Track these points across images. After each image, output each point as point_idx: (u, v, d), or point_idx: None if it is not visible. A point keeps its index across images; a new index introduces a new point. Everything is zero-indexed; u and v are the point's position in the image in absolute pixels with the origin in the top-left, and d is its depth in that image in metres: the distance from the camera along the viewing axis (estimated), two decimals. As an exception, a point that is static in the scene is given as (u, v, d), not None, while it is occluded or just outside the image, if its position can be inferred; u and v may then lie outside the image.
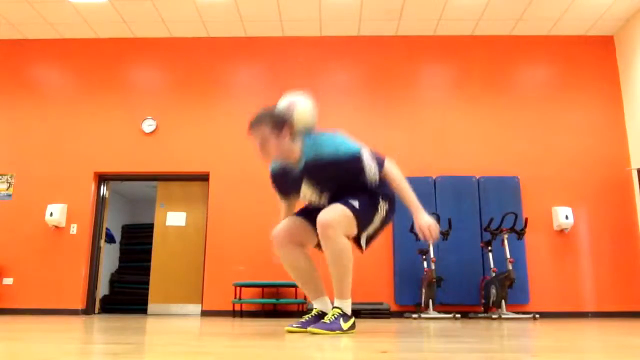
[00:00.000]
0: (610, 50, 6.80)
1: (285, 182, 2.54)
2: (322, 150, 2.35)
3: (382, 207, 2.46)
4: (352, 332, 2.35)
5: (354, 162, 2.34)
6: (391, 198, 2.52)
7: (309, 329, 2.30)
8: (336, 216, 2.29)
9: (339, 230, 2.27)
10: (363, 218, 2.39)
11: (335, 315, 2.32)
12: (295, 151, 2.39)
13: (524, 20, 6.51)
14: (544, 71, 6.80)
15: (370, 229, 2.50)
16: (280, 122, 2.34)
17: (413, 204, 2.40)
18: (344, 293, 2.36)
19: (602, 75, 6.73)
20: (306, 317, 2.53)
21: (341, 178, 2.39)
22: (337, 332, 2.26)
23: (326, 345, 1.77)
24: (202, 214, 6.69)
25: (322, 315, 2.49)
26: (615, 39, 6.80)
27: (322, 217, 2.28)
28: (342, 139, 2.40)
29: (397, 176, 2.44)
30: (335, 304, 2.38)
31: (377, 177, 2.38)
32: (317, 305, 2.54)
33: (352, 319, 2.38)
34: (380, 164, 2.39)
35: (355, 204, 2.34)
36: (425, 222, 2.37)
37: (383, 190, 2.47)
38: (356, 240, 2.51)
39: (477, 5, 6.22)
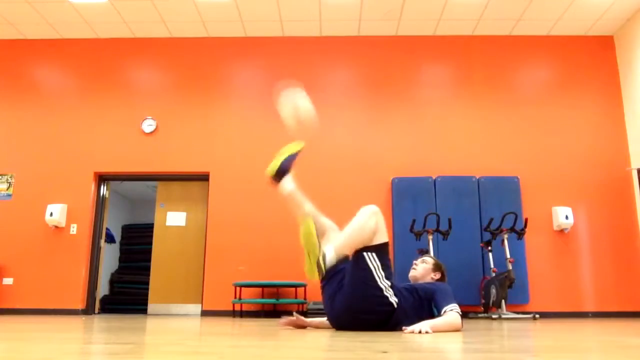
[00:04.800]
0: (610, 50, 6.80)
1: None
2: (430, 284, 2.86)
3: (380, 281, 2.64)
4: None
5: (438, 296, 2.73)
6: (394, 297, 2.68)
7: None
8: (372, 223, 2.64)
9: (379, 220, 2.65)
10: (382, 251, 2.66)
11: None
12: (425, 279, 2.95)
13: (524, 20, 6.51)
14: (544, 71, 6.80)
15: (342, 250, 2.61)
16: (439, 270, 2.97)
17: (435, 324, 2.54)
18: (341, 247, 2.51)
19: (602, 75, 6.73)
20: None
21: (422, 296, 2.75)
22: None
23: (326, 345, 1.77)
24: (202, 214, 6.69)
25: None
26: (615, 39, 6.80)
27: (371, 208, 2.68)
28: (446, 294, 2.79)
29: (454, 320, 2.66)
30: (323, 248, 2.47)
31: (443, 310, 2.66)
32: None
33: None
34: (458, 312, 2.69)
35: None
36: (423, 328, 2.45)
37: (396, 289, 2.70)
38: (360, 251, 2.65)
39: (477, 5, 6.22)
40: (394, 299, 2.59)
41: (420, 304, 2.69)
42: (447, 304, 2.65)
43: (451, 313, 2.61)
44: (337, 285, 2.68)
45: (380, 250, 2.62)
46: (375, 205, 2.67)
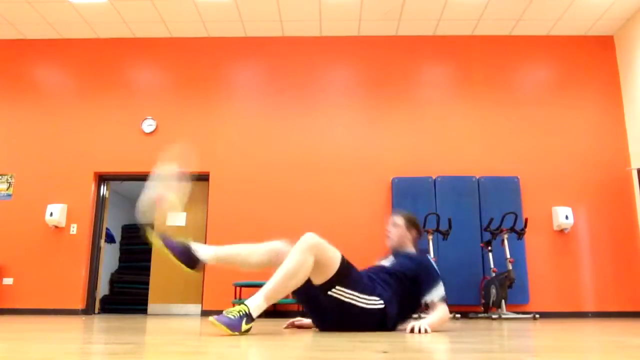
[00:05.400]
0: (610, 50, 6.80)
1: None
2: (410, 259, 2.78)
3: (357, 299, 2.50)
4: (245, 334, 2.19)
5: (422, 280, 2.65)
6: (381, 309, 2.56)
7: (210, 318, 2.17)
8: (325, 246, 2.42)
9: (322, 251, 2.39)
10: (342, 275, 2.45)
11: (242, 313, 2.16)
12: (403, 242, 2.89)
13: (524, 20, 6.51)
14: (544, 71, 6.80)
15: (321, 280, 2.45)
16: (413, 226, 2.90)
17: (432, 322, 2.52)
18: (270, 295, 2.26)
19: (602, 75, 6.73)
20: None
21: (403, 273, 2.68)
22: (235, 333, 2.12)
23: (326, 345, 1.77)
24: (202, 214, 6.69)
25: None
26: (615, 39, 6.80)
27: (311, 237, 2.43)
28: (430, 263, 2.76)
29: (443, 315, 2.61)
30: (248, 300, 2.24)
31: (428, 299, 2.61)
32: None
33: (252, 324, 2.22)
34: (443, 300, 2.62)
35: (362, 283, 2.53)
36: (421, 326, 2.43)
37: (384, 297, 2.57)
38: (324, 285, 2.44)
39: (477, 5, 6.22)
40: (378, 304, 2.51)
41: (403, 288, 2.63)
42: (432, 289, 2.60)
43: (441, 308, 2.59)
44: (315, 308, 2.59)
45: (341, 275, 2.42)
46: (312, 234, 2.39)
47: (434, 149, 6.51)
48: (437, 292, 2.61)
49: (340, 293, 2.44)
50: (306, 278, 2.36)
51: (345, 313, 2.46)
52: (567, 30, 6.73)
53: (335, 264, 2.42)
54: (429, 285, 2.62)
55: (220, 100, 6.77)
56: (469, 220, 6.12)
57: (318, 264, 2.37)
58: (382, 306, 2.52)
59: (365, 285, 2.52)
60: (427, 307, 2.68)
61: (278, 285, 2.28)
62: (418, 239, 2.93)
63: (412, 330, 2.40)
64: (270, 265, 2.51)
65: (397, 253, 2.86)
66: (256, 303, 2.22)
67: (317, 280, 2.42)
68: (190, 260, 2.47)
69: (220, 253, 2.54)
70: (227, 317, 2.13)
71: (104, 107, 6.75)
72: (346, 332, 2.45)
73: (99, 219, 6.55)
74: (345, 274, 2.46)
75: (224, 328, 2.11)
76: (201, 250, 2.51)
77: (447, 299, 2.65)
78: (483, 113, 6.64)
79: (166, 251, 2.46)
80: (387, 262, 2.81)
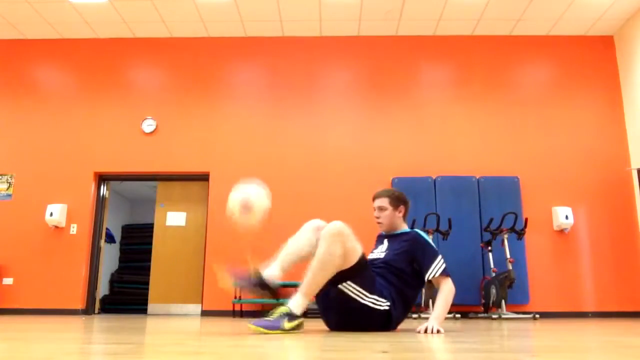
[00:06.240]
0: (610, 50, 6.80)
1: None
2: (403, 240, 2.75)
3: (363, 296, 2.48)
4: (295, 332, 2.26)
5: (419, 257, 2.63)
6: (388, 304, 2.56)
7: (248, 324, 2.24)
8: (348, 233, 2.42)
9: (345, 240, 2.40)
10: (357, 271, 2.46)
11: (281, 314, 2.26)
12: (394, 223, 2.83)
13: (524, 20, 6.51)
14: (544, 71, 6.80)
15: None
16: (400, 203, 2.82)
17: (439, 314, 2.52)
18: (306, 290, 2.34)
19: (602, 75, 6.73)
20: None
21: (400, 260, 2.66)
22: (277, 331, 2.19)
23: (326, 345, 1.77)
24: (202, 214, 6.69)
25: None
26: (615, 39, 6.80)
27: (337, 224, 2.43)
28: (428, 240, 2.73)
29: (448, 293, 2.57)
30: (289, 301, 2.32)
31: (430, 276, 2.58)
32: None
33: (299, 320, 2.31)
34: (445, 274, 2.59)
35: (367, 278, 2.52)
36: (433, 327, 2.42)
37: (391, 292, 2.57)
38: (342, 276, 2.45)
39: (477, 5, 6.22)
40: (385, 306, 2.51)
41: (404, 278, 2.61)
42: (431, 264, 2.57)
43: (445, 285, 2.56)
44: (325, 301, 2.58)
45: (355, 271, 2.43)
46: (339, 222, 2.41)
47: (434, 149, 6.51)
48: (438, 267, 2.57)
49: (350, 289, 2.45)
50: (340, 265, 2.38)
51: (350, 310, 2.47)
52: (567, 30, 6.73)
53: (354, 258, 2.43)
54: (427, 261, 2.59)
55: (221, 100, 6.77)
56: (469, 220, 6.12)
57: (347, 252, 2.40)
58: (388, 308, 2.52)
59: (375, 287, 2.52)
60: (429, 289, 2.63)
61: (312, 279, 2.34)
62: (407, 211, 2.87)
63: (425, 331, 2.40)
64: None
65: (389, 236, 2.83)
66: (295, 301, 2.32)
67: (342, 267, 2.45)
68: (268, 288, 2.44)
69: (284, 264, 2.53)
70: (265, 320, 2.23)
71: (104, 107, 6.75)
72: (349, 331, 2.45)
73: (99, 219, 6.55)
74: (360, 271, 2.46)
75: (261, 329, 2.19)
76: (270, 274, 2.47)
77: (449, 272, 2.59)
78: (483, 113, 6.64)
79: (249, 289, 2.44)
80: (381, 251, 2.78)
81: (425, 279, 2.61)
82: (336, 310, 2.54)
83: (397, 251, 2.68)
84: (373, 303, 2.48)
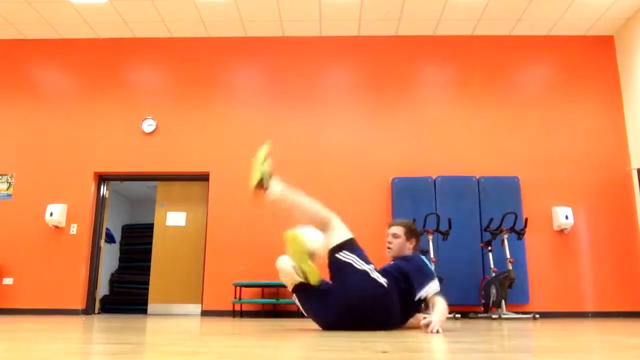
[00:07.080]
0: (610, 50, 6.80)
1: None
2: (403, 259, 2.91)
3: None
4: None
5: (412, 276, 2.73)
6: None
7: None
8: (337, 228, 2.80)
9: (336, 217, 2.82)
10: (353, 244, 2.76)
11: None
12: (403, 252, 2.97)
13: (524, 20, 6.51)
14: (543, 71, 6.80)
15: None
16: (412, 236, 2.98)
17: (440, 316, 2.55)
18: (292, 195, 2.84)
19: (602, 75, 6.72)
20: None
21: (399, 278, 2.74)
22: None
23: (326, 345, 1.77)
24: (202, 214, 6.69)
25: None
26: (615, 39, 6.80)
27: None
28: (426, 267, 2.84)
29: (444, 303, 2.64)
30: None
31: (423, 294, 2.67)
32: None
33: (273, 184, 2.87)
34: (439, 295, 2.67)
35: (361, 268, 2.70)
36: (435, 325, 2.46)
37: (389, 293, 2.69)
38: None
39: (477, 5, 6.22)
40: (382, 280, 2.63)
41: (399, 285, 2.70)
42: (424, 285, 2.65)
43: (439, 301, 2.62)
44: (321, 290, 2.70)
45: (347, 245, 2.70)
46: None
47: (434, 149, 6.51)
48: (431, 288, 2.64)
49: (345, 256, 2.66)
50: (322, 222, 2.74)
51: (347, 275, 2.61)
52: (567, 30, 6.73)
53: (348, 234, 2.76)
54: (420, 281, 2.66)
55: (221, 100, 6.77)
56: (469, 220, 6.12)
57: (334, 229, 2.73)
58: (386, 285, 2.61)
59: (371, 264, 2.71)
60: (426, 307, 2.70)
61: (299, 202, 2.84)
62: (418, 247, 3.00)
63: (427, 325, 2.42)
64: (314, 224, 2.81)
65: (395, 259, 2.94)
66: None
67: (332, 243, 2.71)
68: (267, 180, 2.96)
69: (286, 192, 2.91)
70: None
71: (104, 107, 6.75)
72: (350, 309, 2.56)
73: (99, 219, 6.55)
74: (353, 246, 2.72)
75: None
76: (274, 185, 2.93)
77: (442, 295, 2.66)
78: (483, 113, 6.64)
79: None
80: (385, 266, 2.89)
81: (417, 296, 2.65)
82: (335, 278, 2.69)
83: (396, 266, 2.80)
84: (370, 272, 2.63)
